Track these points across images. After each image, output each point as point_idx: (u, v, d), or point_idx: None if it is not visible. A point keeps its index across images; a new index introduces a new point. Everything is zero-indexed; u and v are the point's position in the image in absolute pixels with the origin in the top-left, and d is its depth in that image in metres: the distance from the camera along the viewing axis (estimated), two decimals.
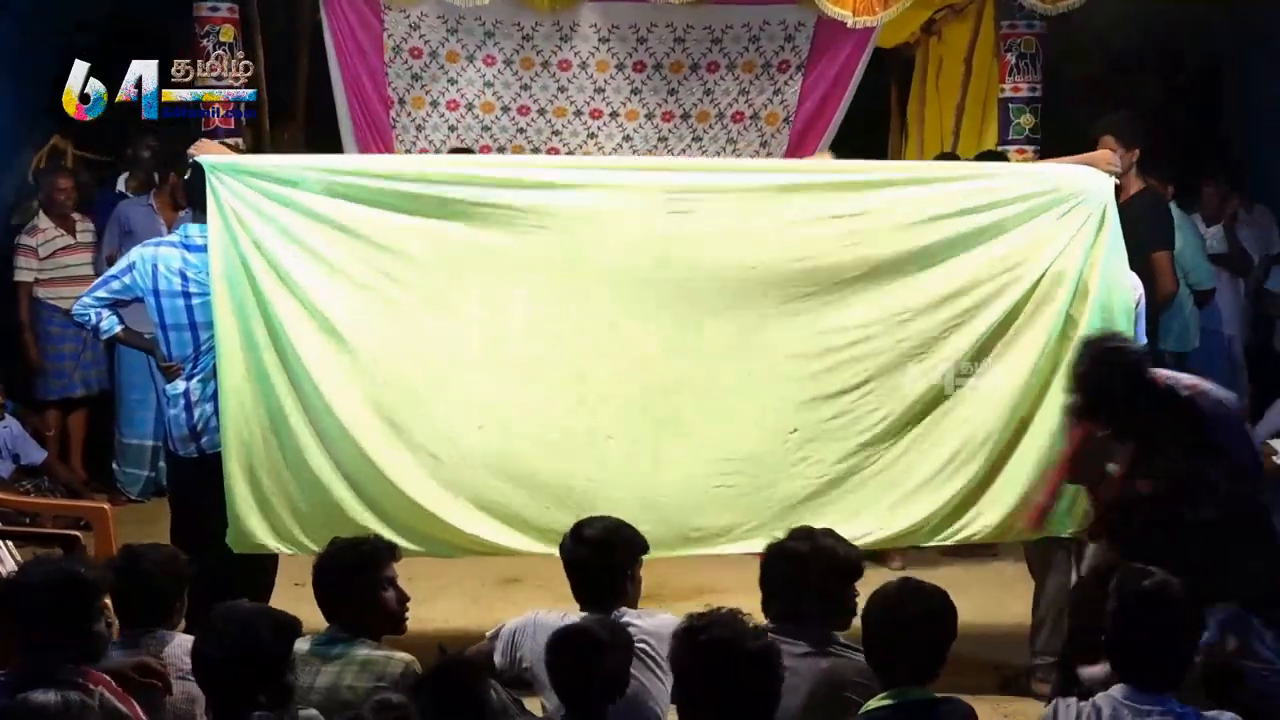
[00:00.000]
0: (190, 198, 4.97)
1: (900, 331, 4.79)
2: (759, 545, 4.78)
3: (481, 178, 4.85)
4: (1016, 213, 4.80)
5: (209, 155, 4.76)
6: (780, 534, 4.76)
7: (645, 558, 3.98)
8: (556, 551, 4.75)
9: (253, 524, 4.76)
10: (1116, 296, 4.79)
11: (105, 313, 4.93)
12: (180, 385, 4.89)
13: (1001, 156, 6.95)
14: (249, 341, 4.70)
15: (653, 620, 3.81)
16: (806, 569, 3.68)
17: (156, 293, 4.86)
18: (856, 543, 4.71)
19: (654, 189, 4.82)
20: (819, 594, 3.65)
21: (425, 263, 4.75)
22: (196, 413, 4.88)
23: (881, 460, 4.83)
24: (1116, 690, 3.20)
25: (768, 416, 4.80)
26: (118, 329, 4.98)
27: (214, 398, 4.80)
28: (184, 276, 4.85)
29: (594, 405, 4.77)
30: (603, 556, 3.88)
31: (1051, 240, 4.77)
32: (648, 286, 4.78)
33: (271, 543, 4.81)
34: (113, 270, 5.02)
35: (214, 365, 4.77)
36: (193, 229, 4.90)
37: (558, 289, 4.77)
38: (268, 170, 4.78)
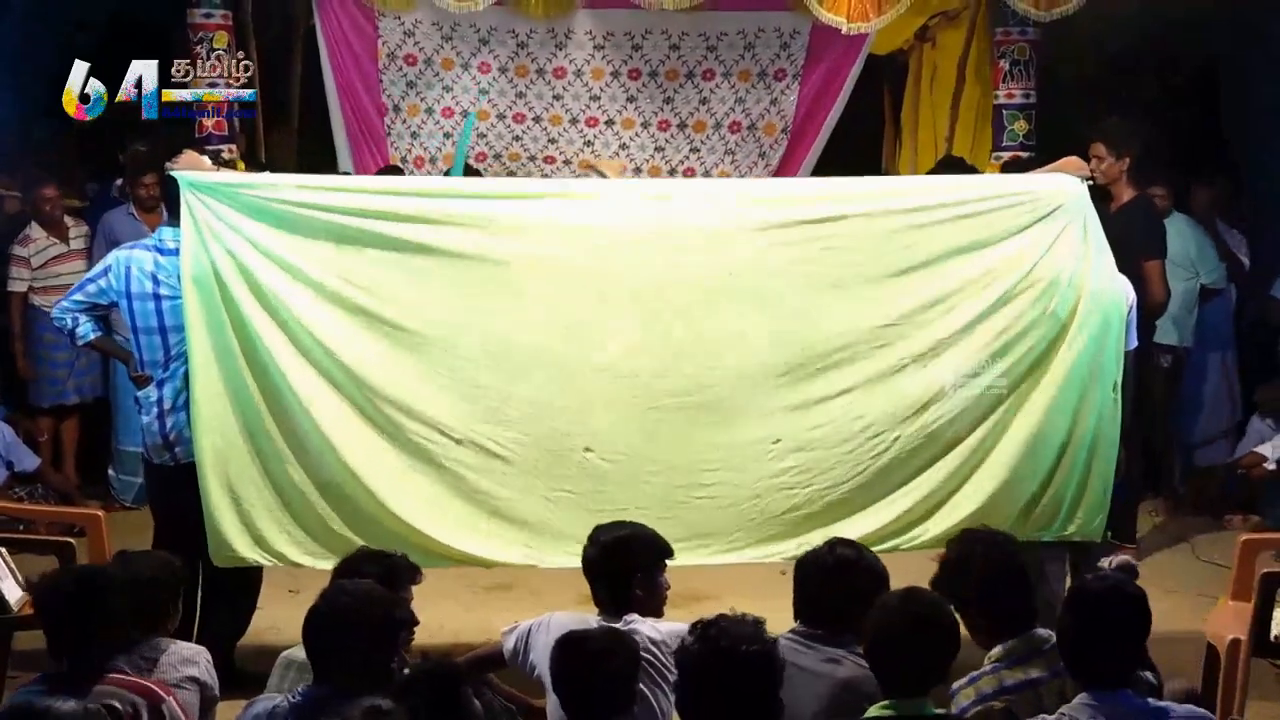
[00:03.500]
0: (166, 204, 4.98)
1: (883, 338, 4.79)
2: (743, 555, 4.83)
3: (458, 191, 4.92)
4: (997, 221, 4.82)
5: (185, 171, 4.75)
6: (764, 543, 4.81)
7: None
8: (534, 563, 4.80)
9: (232, 536, 4.73)
10: (1107, 300, 4.80)
11: (83, 318, 4.94)
12: (153, 393, 4.88)
13: (961, 163, 7.00)
14: (223, 349, 4.68)
15: (662, 628, 3.81)
16: (837, 579, 3.68)
17: (129, 295, 4.87)
18: None
19: (631, 200, 4.90)
20: (850, 605, 3.62)
21: (401, 276, 4.74)
22: (170, 421, 4.87)
23: (867, 468, 4.83)
24: (1080, 699, 3.19)
25: (750, 426, 4.80)
26: (94, 335, 4.99)
27: (187, 406, 4.78)
28: (155, 279, 4.86)
29: (573, 418, 4.77)
30: (610, 561, 3.91)
31: (1035, 246, 4.79)
32: (625, 297, 4.79)
33: (252, 555, 4.78)
34: (90, 274, 5.06)
35: (186, 375, 4.77)
36: (166, 233, 4.91)
37: (533, 302, 4.77)
38: (241, 186, 4.78)
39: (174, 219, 4.81)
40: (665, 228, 4.83)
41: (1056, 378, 4.79)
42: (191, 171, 4.76)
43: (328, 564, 4.64)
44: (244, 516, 4.74)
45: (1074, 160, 5.05)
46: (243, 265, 4.68)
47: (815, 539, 4.72)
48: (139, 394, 4.94)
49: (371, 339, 4.73)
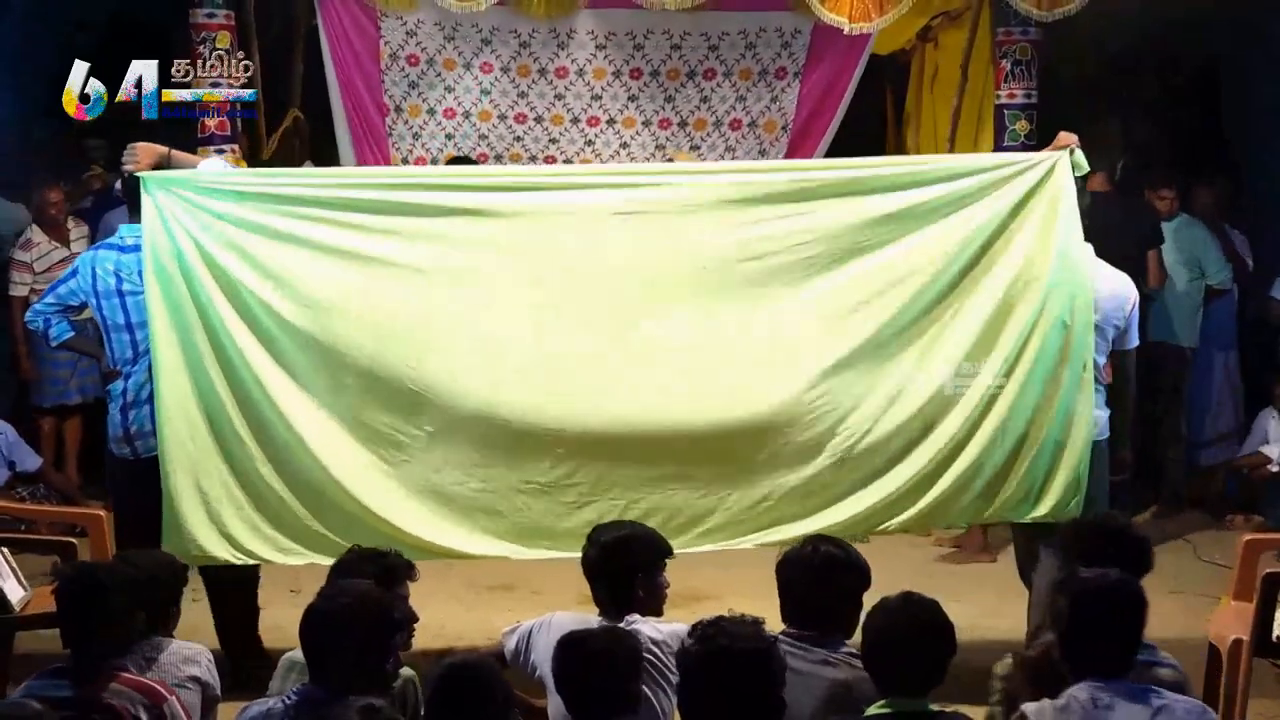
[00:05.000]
0: (126, 201, 5.01)
1: (861, 328, 4.78)
2: (725, 544, 4.85)
3: (429, 183, 4.93)
4: (965, 198, 4.79)
5: (145, 169, 4.77)
6: (740, 530, 4.82)
7: None
8: (508, 554, 4.82)
9: (200, 534, 4.72)
10: (1075, 279, 4.73)
11: (54, 319, 5.03)
12: (119, 385, 4.94)
13: None
14: (186, 342, 4.70)
15: (664, 629, 3.80)
16: (825, 578, 3.65)
17: (96, 294, 4.94)
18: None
19: (604, 191, 4.88)
20: (837, 604, 3.62)
21: (372, 269, 4.74)
22: (131, 415, 4.91)
23: (842, 457, 4.82)
24: (1079, 690, 3.19)
25: (730, 415, 4.79)
26: (68, 335, 5.07)
27: (149, 401, 4.84)
28: (118, 276, 4.92)
29: (543, 411, 4.76)
30: (611, 560, 3.90)
31: (1008, 227, 4.76)
32: (596, 292, 4.79)
33: (222, 553, 4.76)
34: (61, 276, 5.15)
35: (149, 367, 4.82)
36: (126, 230, 4.99)
37: (505, 297, 4.77)
38: (205, 184, 4.79)
39: (134, 216, 4.88)
40: (637, 222, 4.82)
41: (1023, 358, 4.76)
42: (155, 172, 4.78)
43: (299, 560, 4.70)
44: (212, 514, 4.73)
45: (1065, 136, 4.91)
46: (207, 253, 4.70)
47: (791, 526, 4.76)
48: (109, 386, 5.01)
49: (340, 332, 4.73)
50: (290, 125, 7.66)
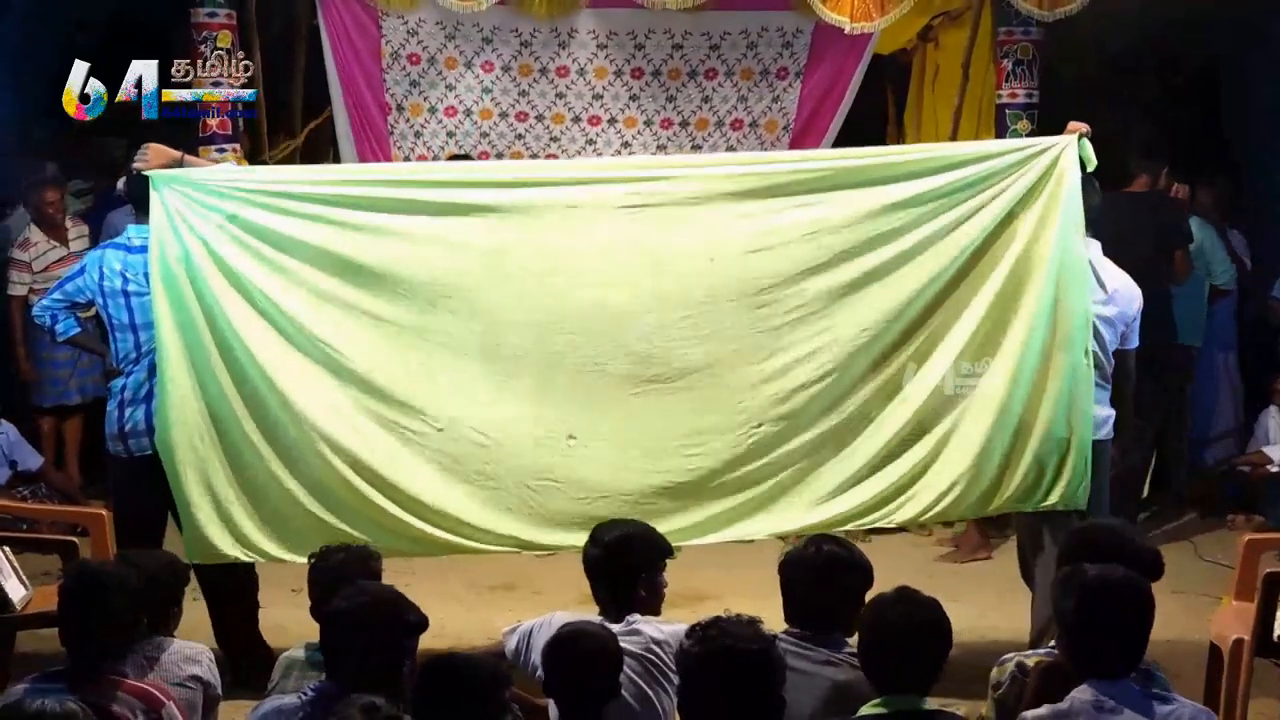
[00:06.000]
0: (133, 201, 5.03)
1: (864, 321, 4.79)
2: (727, 536, 4.86)
3: (438, 179, 4.94)
4: (985, 192, 4.77)
5: (156, 169, 4.79)
6: (747, 521, 4.83)
7: None
8: (518, 549, 4.85)
9: (213, 534, 4.75)
10: (1068, 265, 4.71)
11: (62, 314, 5.08)
12: (119, 382, 4.98)
13: None
14: (193, 342, 4.71)
15: (665, 629, 3.80)
16: (827, 577, 3.65)
17: (103, 293, 4.97)
18: (817, 528, 4.69)
19: (611, 185, 4.88)
20: (839, 603, 3.61)
21: (380, 266, 4.76)
22: (127, 412, 4.96)
23: (846, 445, 4.84)
24: (1082, 691, 3.16)
25: (731, 409, 4.81)
26: (74, 331, 5.11)
27: (145, 401, 4.89)
28: (124, 276, 4.95)
29: (556, 405, 4.78)
30: (613, 560, 3.91)
31: (1016, 214, 4.75)
32: (610, 282, 4.79)
33: (235, 552, 4.79)
34: (68, 273, 5.19)
35: (149, 367, 4.86)
36: (133, 231, 5.01)
37: (518, 292, 4.78)
38: (214, 183, 4.80)
39: (141, 217, 4.89)
40: (645, 215, 4.82)
41: (1017, 342, 4.75)
42: (164, 171, 4.80)
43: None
44: (223, 514, 4.76)
45: (1075, 125, 4.87)
46: (215, 252, 4.71)
47: (794, 518, 4.80)
48: (111, 384, 5.05)
49: (354, 328, 4.75)
50: (320, 123, 7.69)
